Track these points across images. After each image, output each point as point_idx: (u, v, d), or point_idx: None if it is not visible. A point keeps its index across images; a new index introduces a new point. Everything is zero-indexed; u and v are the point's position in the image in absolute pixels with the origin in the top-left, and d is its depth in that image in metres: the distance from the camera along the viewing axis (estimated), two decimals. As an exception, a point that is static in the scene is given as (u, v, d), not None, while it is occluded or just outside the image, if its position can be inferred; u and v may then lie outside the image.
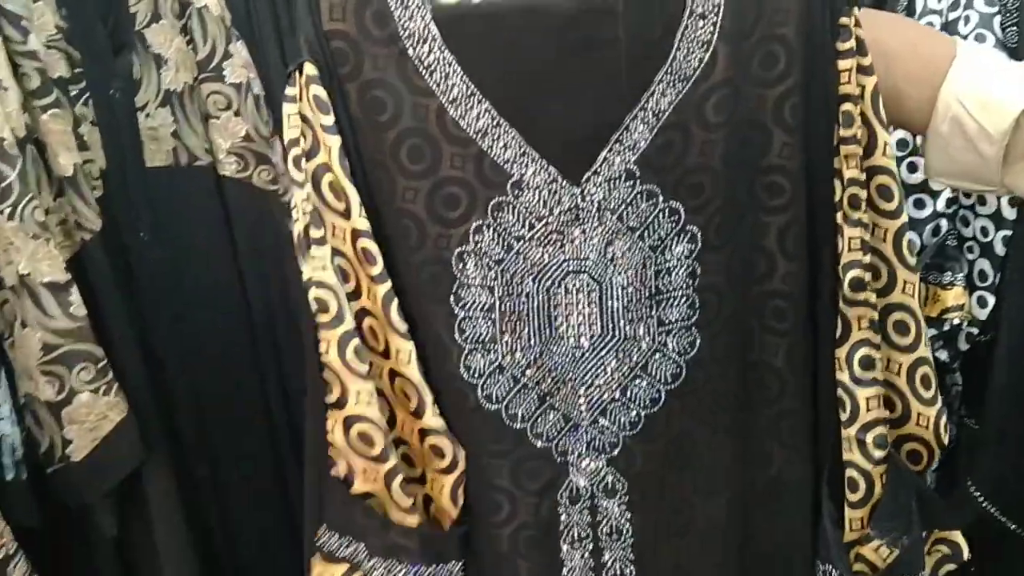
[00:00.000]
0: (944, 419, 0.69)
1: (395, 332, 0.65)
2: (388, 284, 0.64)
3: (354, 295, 0.65)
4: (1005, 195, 0.74)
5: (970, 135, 0.69)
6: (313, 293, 0.63)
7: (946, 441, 0.69)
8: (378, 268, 0.64)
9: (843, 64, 0.62)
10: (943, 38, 0.71)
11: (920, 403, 0.69)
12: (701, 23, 0.63)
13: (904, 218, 0.66)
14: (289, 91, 0.63)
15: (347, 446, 0.66)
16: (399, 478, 0.66)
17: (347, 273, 0.65)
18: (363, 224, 0.63)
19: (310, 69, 0.63)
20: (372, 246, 0.63)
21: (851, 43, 0.63)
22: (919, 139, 0.82)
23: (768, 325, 0.67)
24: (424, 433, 0.67)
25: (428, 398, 0.65)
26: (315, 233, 0.63)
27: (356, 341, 0.64)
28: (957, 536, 0.71)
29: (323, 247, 0.63)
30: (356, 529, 0.67)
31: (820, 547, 0.69)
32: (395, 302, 0.64)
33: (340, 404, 0.65)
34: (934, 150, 0.70)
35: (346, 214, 0.63)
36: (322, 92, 0.62)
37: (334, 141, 0.62)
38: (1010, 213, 0.87)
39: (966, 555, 0.72)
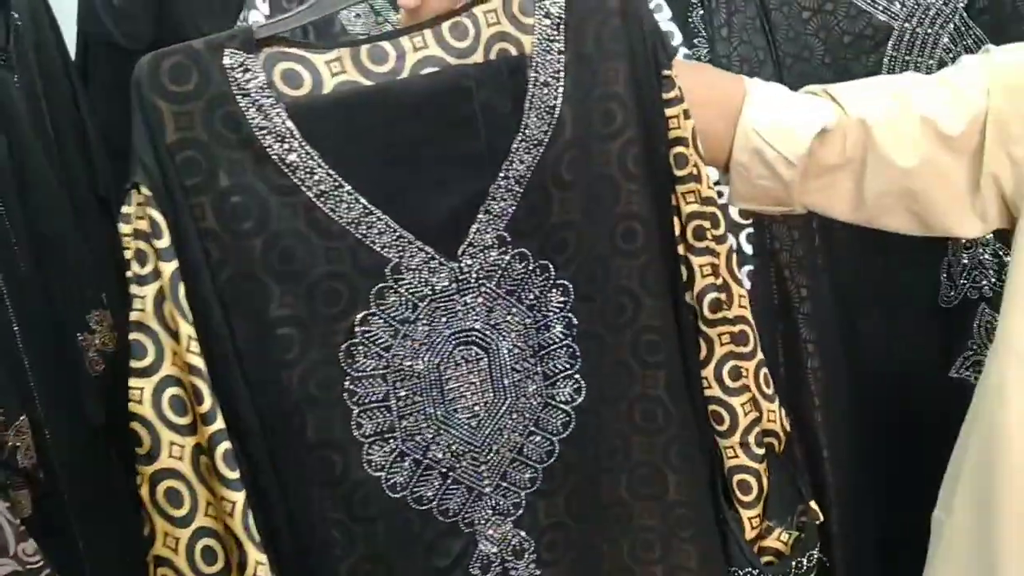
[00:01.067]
0: (782, 409, 0.80)
1: (221, 481, 0.63)
2: (218, 424, 0.63)
3: (190, 429, 0.65)
4: (801, 211, 0.85)
5: (769, 162, 0.78)
6: (131, 424, 0.64)
7: (788, 427, 0.80)
8: (206, 406, 0.63)
9: (671, 111, 0.71)
10: (733, 78, 0.81)
11: (766, 400, 0.78)
12: (545, 90, 0.68)
13: (731, 240, 0.76)
14: (125, 209, 0.63)
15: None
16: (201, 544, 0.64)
17: (183, 404, 0.64)
18: (194, 359, 0.62)
19: (145, 191, 0.62)
20: (201, 383, 0.63)
21: (675, 91, 0.71)
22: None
23: (645, 360, 0.73)
24: None
25: (253, 557, 0.65)
26: (134, 364, 0.63)
27: (168, 483, 0.65)
28: (813, 504, 0.82)
29: (142, 378, 0.64)
30: None
31: (731, 555, 0.77)
32: (224, 446, 0.63)
33: (149, 543, 0.66)
34: (737, 179, 0.80)
35: (179, 342, 0.63)
36: (158, 215, 0.62)
37: (168, 267, 0.62)
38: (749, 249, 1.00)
39: (821, 517, 0.83)
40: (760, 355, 0.77)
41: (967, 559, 0.79)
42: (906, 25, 1.00)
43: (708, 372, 0.75)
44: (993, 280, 1.03)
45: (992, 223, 0.80)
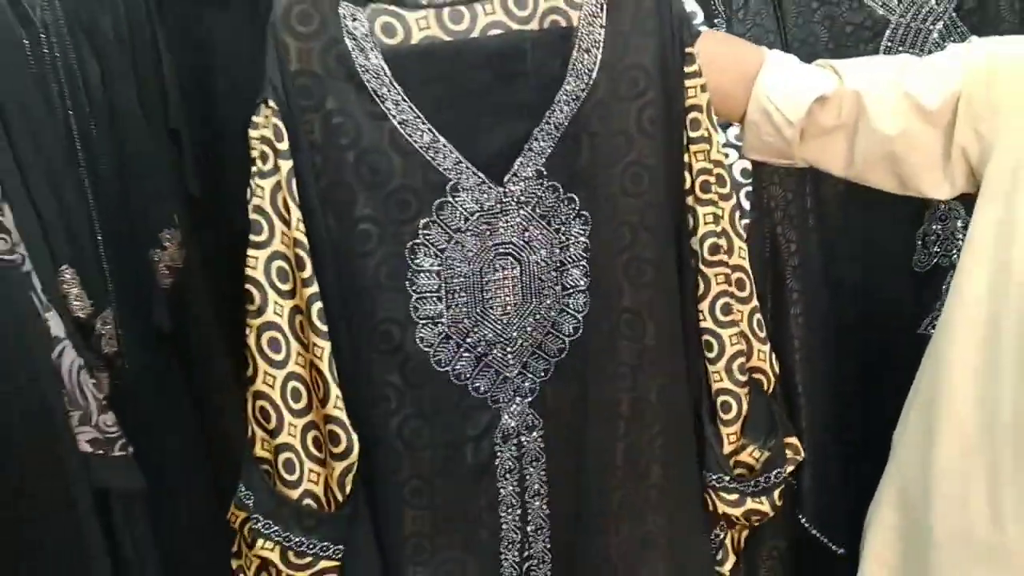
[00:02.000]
0: (773, 354, 0.96)
1: (314, 331, 0.83)
2: (314, 288, 0.82)
3: (291, 294, 0.83)
4: (802, 164, 1.02)
5: (775, 122, 0.95)
6: (246, 285, 0.82)
7: (777, 370, 0.97)
8: (307, 272, 0.82)
9: (690, 83, 0.88)
10: (755, 48, 0.98)
11: (758, 342, 0.95)
12: (586, 56, 0.86)
13: (735, 199, 0.93)
14: (255, 119, 0.81)
15: (252, 416, 0.85)
16: (285, 454, 0.84)
17: (285, 273, 0.83)
18: (301, 236, 0.82)
19: (272, 104, 0.81)
20: (304, 255, 0.82)
21: (695, 67, 0.88)
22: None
23: (635, 281, 0.90)
24: (327, 420, 0.84)
25: (333, 391, 0.83)
26: (253, 238, 0.82)
27: (271, 332, 0.83)
28: (795, 439, 0.98)
29: (258, 250, 0.82)
30: (253, 486, 0.85)
31: (706, 461, 0.94)
32: (317, 304, 0.82)
33: (251, 380, 0.84)
34: (750, 134, 0.98)
35: (288, 225, 0.82)
36: (280, 124, 0.81)
37: (286, 164, 0.81)
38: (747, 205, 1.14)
39: (803, 454, 0.99)
40: (755, 302, 0.94)
41: (911, 475, 0.97)
42: (901, 19, 1.15)
43: (704, 306, 0.92)
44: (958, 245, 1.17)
45: (959, 188, 0.95)
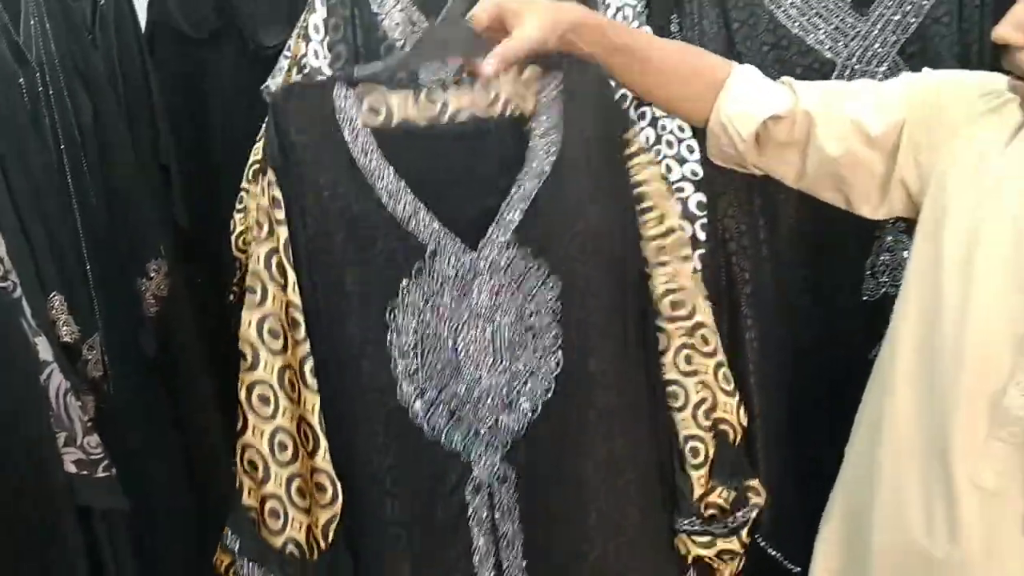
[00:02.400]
0: (741, 408, 1.05)
1: (305, 386, 0.92)
2: (307, 347, 0.92)
3: (282, 351, 0.92)
4: (758, 172, 1.10)
5: (730, 134, 1.03)
6: (240, 344, 0.92)
7: (745, 423, 1.05)
8: (301, 333, 0.92)
9: (632, 162, 1.02)
10: (724, 61, 1.05)
11: (724, 394, 1.04)
12: (544, 139, 0.98)
13: (695, 262, 1.07)
14: (253, 188, 0.93)
15: (240, 466, 0.94)
16: (271, 503, 0.92)
17: (277, 333, 0.92)
18: (295, 299, 0.91)
19: (271, 175, 0.91)
20: (299, 316, 0.92)
21: (636, 147, 1.02)
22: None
23: (603, 340, 1.02)
24: (314, 471, 0.92)
25: (323, 443, 0.92)
26: (248, 299, 0.91)
27: (261, 388, 0.92)
28: (756, 483, 1.05)
29: (252, 311, 0.92)
30: (240, 531, 0.93)
31: (679, 507, 1.02)
32: (310, 362, 0.92)
33: (241, 432, 0.93)
34: (710, 142, 1.05)
35: (284, 288, 0.91)
36: (278, 193, 0.90)
37: (283, 232, 0.91)
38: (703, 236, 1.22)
39: (763, 496, 1.06)
40: (721, 357, 1.04)
41: (857, 488, 1.04)
42: (848, 62, 1.23)
43: (668, 358, 1.02)
44: None
45: (896, 212, 1.01)
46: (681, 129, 1.19)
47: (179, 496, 1.40)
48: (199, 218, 1.48)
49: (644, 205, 0.99)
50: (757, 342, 1.27)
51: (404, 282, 0.94)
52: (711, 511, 1.01)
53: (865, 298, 1.28)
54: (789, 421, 1.30)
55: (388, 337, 0.94)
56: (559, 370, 0.98)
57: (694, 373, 1.01)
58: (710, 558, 1.02)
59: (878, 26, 1.21)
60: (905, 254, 1.24)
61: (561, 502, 0.99)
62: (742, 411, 1.04)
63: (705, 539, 1.02)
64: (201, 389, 1.44)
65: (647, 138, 1.18)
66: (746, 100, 1.02)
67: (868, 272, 1.27)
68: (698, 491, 1.01)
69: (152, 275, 1.38)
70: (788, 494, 1.28)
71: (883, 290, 1.28)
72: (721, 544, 1.02)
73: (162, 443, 1.37)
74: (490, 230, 0.95)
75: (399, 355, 0.95)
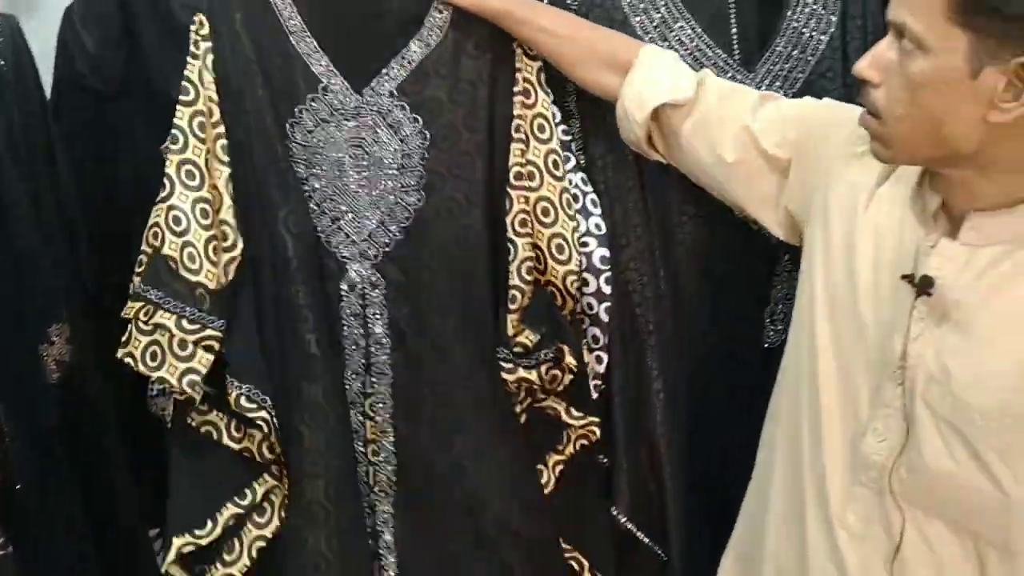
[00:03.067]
0: (572, 278, 1.25)
1: (218, 161, 1.22)
2: (220, 129, 1.22)
3: (203, 141, 1.23)
4: (658, 158, 1.20)
5: (630, 119, 1.17)
6: (172, 130, 1.22)
7: (574, 290, 1.26)
8: (215, 118, 1.22)
9: (519, 51, 1.24)
10: (633, 44, 1.19)
11: (554, 262, 1.26)
12: (441, 14, 1.23)
13: (552, 144, 1.25)
14: (192, 25, 1.20)
15: (164, 223, 1.20)
16: (189, 249, 1.19)
17: (204, 126, 1.22)
18: (215, 97, 1.22)
19: (204, 27, 1.20)
20: (216, 109, 1.22)
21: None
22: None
23: (461, 189, 1.25)
24: (220, 223, 1.22)
25: (227, 203, 1.22)
26: (182, 97, 1.22)
27: (188, 166, 1.21)
28: (571, 355, 1.25)
29: (185, 107, 1.22)
30: (157, 276, 1.19)
31: (498, 339, 1.24)
32: (222, 142, 1.21)
33: (167, 198, 1.20)
34: (619, 125, 1.19)
35: (207, 91, 1.21)
36: (207, 22, 1.19)
37: (206, 48, 1.20)
38: (607, 290, 1.29)
39: (576, 367, 1.25)
40: (560, 229, 1.25)
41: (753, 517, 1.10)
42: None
43: (508, 219, 1.24)
44: None
45: (788, 235, 1.10)
46: (584, 182, 1.30)
47: (88, 570, 1.36)
48: (110, 281, 1.46)
49: (516, 88, 1.23)
50: (663, 394, 1.34)
51: (299, 106, 1.22)
52: (518, 348, 1.24)
53: (766, 345, 1.34)
54: (697, 476, 1.35)
55: (285, 145, 1.22)
56: (420, 205, 1.24)
57: (527, 235, 1.24)
58: (511, 383, 1.25)
59: (766, 82, 1.30)
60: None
61: (421, 313, 1.26)
62: (571, 279, 1.25)
63: (509, 366, 1.25)
64: (111, 458, 1.44)
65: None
66: (644, 84, 1.13)
67: (767, 320, 1.34)
68: (511, 329, 1.24)
69: (54, 340, 1.38)
70: (695, 541, 1.33)
71: (783, 336, 1.29)
72: (522, 372, 1.25)
73: (68, 517, 1.38)
74: (375, 80, 1.21)
75: (293, 163, 1.23)
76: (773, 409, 1.07)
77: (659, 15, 1.28)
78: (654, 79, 1.12)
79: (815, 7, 1.28)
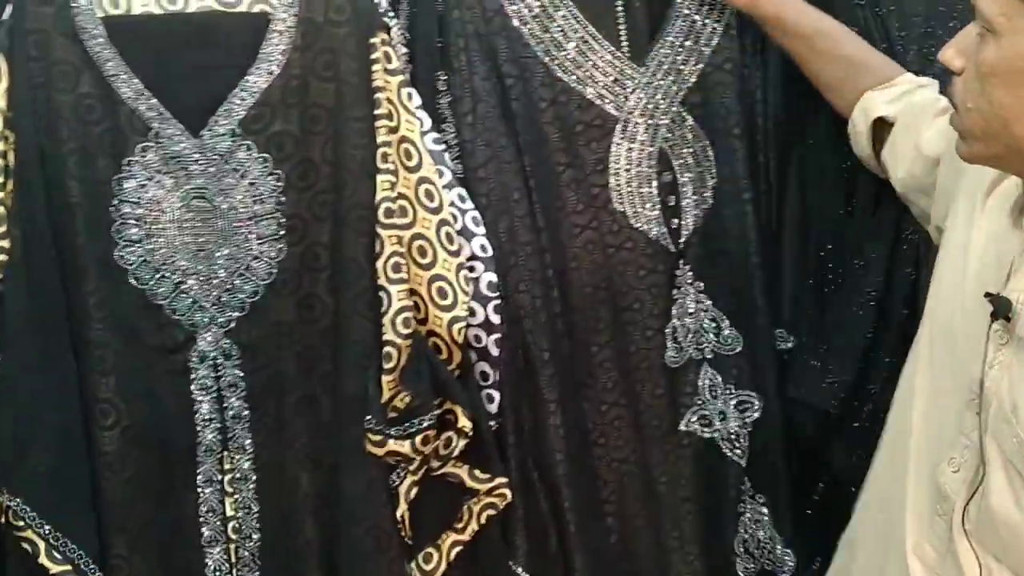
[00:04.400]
0: (457, 325, 1.18)
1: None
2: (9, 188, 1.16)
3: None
4: (880, 174, 1.21)
5: (856, 132, 1.16)
6: None
7: (460, 341, 1.19)
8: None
9: (375, 68, 1.18)
10: (892, 65, 1.18)
11: (436, 308, 1.20)
12: (279, 39, 1.18)
13: (422, 172, 1.18)
14: None
15: None
16: None
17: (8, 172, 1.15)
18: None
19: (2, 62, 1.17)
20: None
21: (379, 53, 1.18)
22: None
23: (326, 234, 1.18)
24: None
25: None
26: None
27: None
28: (460, 410, 1.16)
29: None
30: None
31: (368, 404, 1.17)
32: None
33: None
34: (851, 139, 1.19)
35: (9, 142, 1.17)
36: (4, 64, 1.13)
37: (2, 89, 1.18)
38: (496, 319, 1.23)
39: (470, 426, 1.16)
40: (438, 270, 1.16)
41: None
42: (630, 116, 1.32)
43: (379, 264, 1.17)
44: (714, 342, 1.35)
45: None
46: (463, 199, 1.26)
47: None
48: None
49: (379, 111, 1.20)
50: (563, 428, 1.31)
51: (128, 156, 1.16)
52: (393, 414, 1.20)
53: (671, 365, 1.33)
54: (599, 508, 1.30)
55: (114, 207, 1.14)
56: (281, 257, 1.18)
57: (401, 281, 1.19)
58: (380, 456, 1.16)
59: (658, 76, 1.33)
60: (705, 319, 1.33)
61: (285, 379, 1.21)
62: (456, 327, 1.18)
63: (378, 438, 1.19)
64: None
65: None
66: (876, 100, 1.11)
67: (670, 338, 1.34)
68: (387, 394, 1.19)
69: None
70: None
71: (687, 355, 1.35)
72: (392, 444, 1.18)
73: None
74: (212, 119, 1.19)
75: (123, 223, 1.14)
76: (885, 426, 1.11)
77: (538, 4, 1.28)
78: (886, 95, 1.12)
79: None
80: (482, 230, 1.23)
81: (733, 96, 1.30)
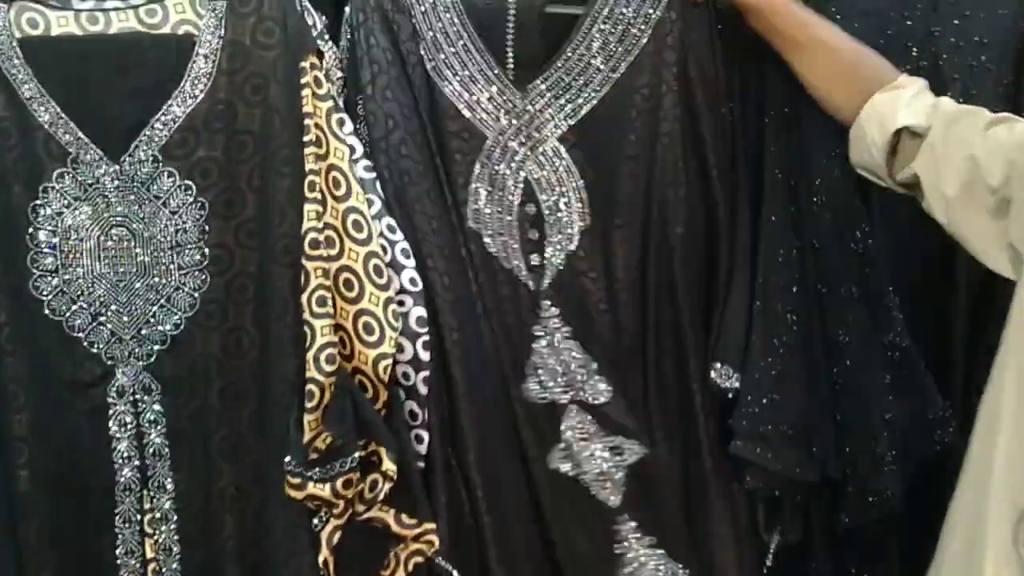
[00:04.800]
0: (383, 362, 1.15)
1: None
2: None
3: None
4: (897, 189, 1.13)
5: (868, 141, 1.12)
6: None
7: (386, 379, 1.16)
8: None
9: (304, 93, 1.17)
10: (887, 67, 1.14)
11: (362, 345, 1.17)
12: (203, 62, 1.17)
13: (351, 202, 1.16)
14: None
15: None
16: None
17: None
18: None
19: None
20: None
21: (309, 78, 1.16)
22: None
23: (251, 265, 1.16)
24: None
25: None
26: None
27: None
28: (384, 453, 1.13)
29: None
30: None
31: (287, 445, 1.14)
32: None
33: None
34: (853, 145, 1.15)
35: None
36: None
37: None
38: (425, 356, 1.20)
39: (394, 472, 1.12)
40: (365, 304, 1.13)
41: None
42: (500, 138, 1.27)
43: (304, 297, 1.15)
44: (581, 388, 1.28)
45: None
46: (391, 230, 1.22)
47: None
48: None
49: (307, 137, 1.17)
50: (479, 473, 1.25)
51: (45, 183, 1.15)
52: (314, 455, 1.17)
53: (533, 402, 1.28)
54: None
55: (28, 232, 1.13)
56: (204, 288, 1.17)
57: (326, 315, 1.16)
58: (300, 500, 1.14)
59: (538, 105, 1.27)
60: (573, 355, 1.27)
61: (209, 414, 1.18)
62: (382, 364, 1.15)
63: (296, 480, 1.16)
64: None
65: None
66: (885, 105, 1.11)
67: (529, 374, 1.28)
68: (308, 434, 1.15)
69: None
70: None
71: (546, 396, 1.28)
72: (312, 488, 1.14)
73: None
74: (134, 144, 1.17)
75: (38, 252, 1.12)
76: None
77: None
78: (898, 100, 1.10)
79: (608, 36, 1.22)
80: (412, 262, 1.20)
81: (614, 130, 1.21)
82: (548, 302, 1.26)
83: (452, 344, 1.20)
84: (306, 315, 1.15)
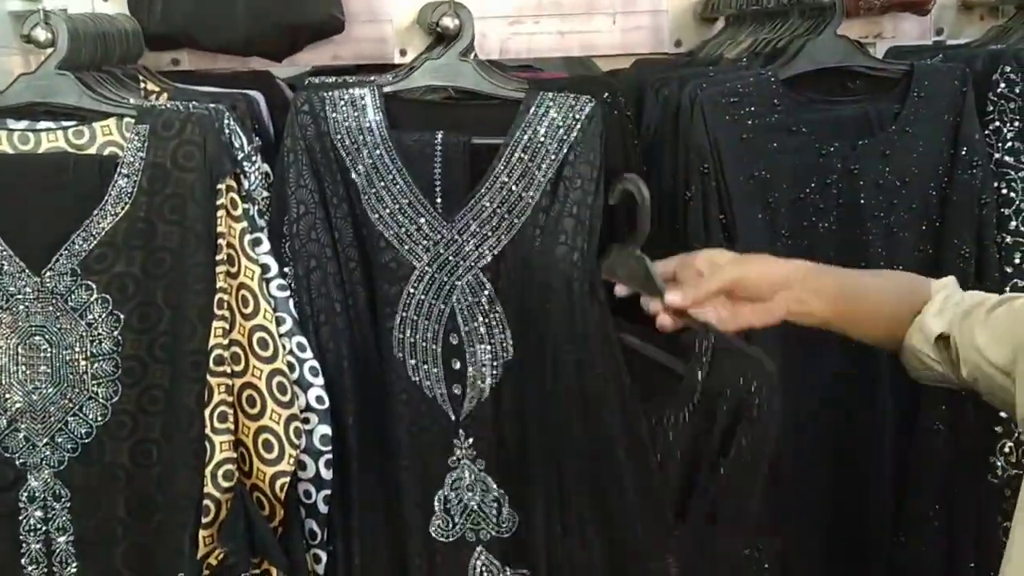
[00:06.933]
0: (280, 480, 1.21)
1: None
2: None
3: None
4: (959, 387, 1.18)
5: (920, 357, 1.12)
6: None
7: (283, 497, 1.21)
8: None
9: (220, 213, 1.24)
10: (926, 281, 1.16)
11: (261, 462, 1.23)
12: (125, 182, 1.24)
13: (258, 320, 1.22)
14: None
15: None
16: None
17: None
18: None
19: None
20: None
21: (225, 199, 1.24)
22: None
23: (161, 379, 1.23)
24: None
25: None
26: None
27: None
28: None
29: None
30: None
31: (182, 564, 1.18)
32: None
33: None
34: (907, 358, 1.16)
35: None
36: None
37: None
38: (327, 475, 1.25)
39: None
40: (266, 422, 1.19)
41: None
42: (428, 269, 1.34)
43: (207, 411, 1.20)
44: (493, 523, 1.33)
45: None
46: (301, 348, 1.27)
47: None
48: None
49: (219, 256, 1.25)
50: None
51: None
52: (207, 571, 1.21)
53: (442, 540, 1.32)
54: None
55: None
56: (116, 398, 1.23)
57: (226, 430, 1.21)
58: None
59: (464, 235, 1.34)
60: (486, 498, 1.32)
61: (114, 520, 1.21)
62: (279, 482, 1.19)
63: None
64: None
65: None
66: (927, 317, 1.13)
67: (441, 509, 1.33)
68: (202, 550, 1.20)
69: None
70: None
71: (462, 534, 1.32)
72: None
73: None
74: (55, 257, 1.24)
75: None
76: None
77: (360, 137, 1.30)
78: (941, 308, 1.10)
79: (528, 163, 1.29)
80: (320, 380, 1.24)
81: (536, 264, 1.24)
82: (466, 435, 1.28)
83: (357, 469, 1.24)
84: (207, 430, 1.20)
